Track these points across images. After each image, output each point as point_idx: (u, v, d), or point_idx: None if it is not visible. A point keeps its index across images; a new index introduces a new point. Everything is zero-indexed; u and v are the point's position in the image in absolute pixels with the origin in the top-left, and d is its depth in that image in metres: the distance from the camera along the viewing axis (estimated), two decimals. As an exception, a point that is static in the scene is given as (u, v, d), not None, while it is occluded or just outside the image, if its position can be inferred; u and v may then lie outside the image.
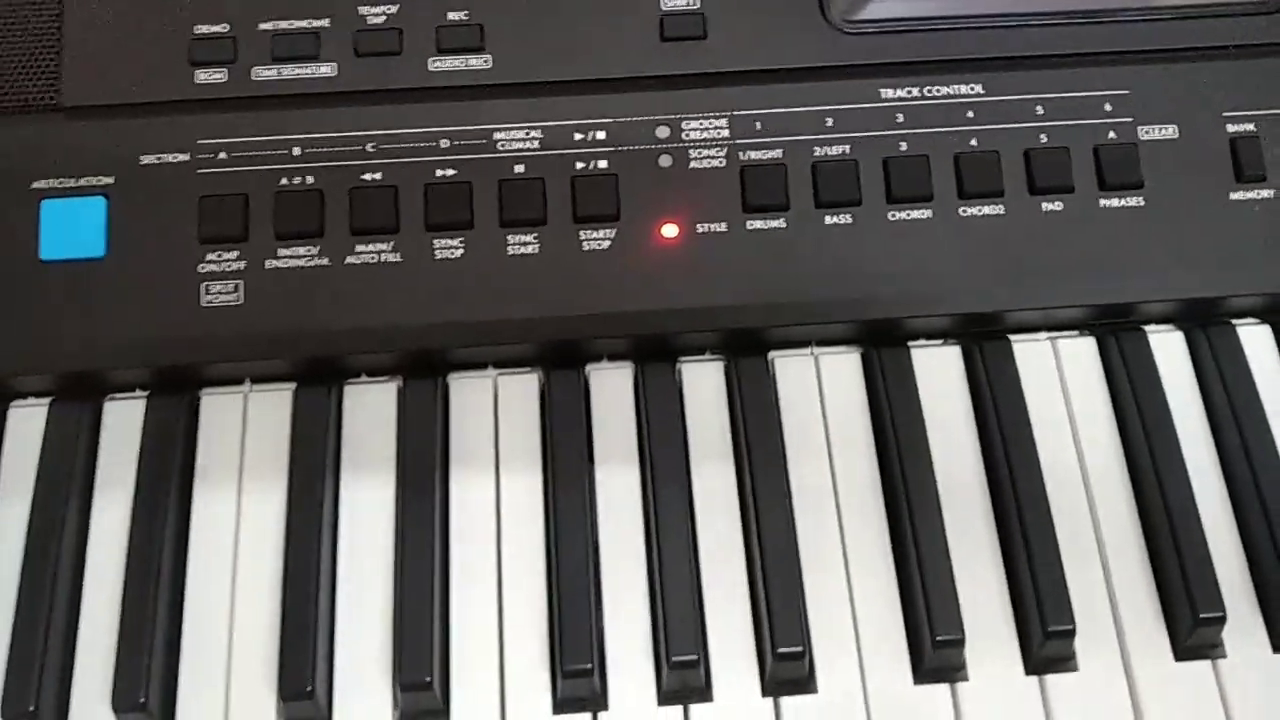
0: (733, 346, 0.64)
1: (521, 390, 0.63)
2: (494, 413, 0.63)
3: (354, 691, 0.57)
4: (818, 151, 0.63)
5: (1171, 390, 0.64)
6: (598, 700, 0.57)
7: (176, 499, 0.60)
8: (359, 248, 0.61)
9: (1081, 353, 0.64)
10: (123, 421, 0.62)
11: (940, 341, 0.64)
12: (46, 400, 0.62)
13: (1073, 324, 0.65)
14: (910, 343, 0.64)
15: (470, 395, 0.63)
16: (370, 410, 0.62)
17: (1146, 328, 0.65)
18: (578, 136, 0.62)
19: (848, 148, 0.63)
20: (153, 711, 0.56)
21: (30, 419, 0.62)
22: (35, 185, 0.61)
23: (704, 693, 0.57)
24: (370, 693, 0.57)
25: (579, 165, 0.62)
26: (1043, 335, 0.65)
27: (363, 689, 0.57)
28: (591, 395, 0.63)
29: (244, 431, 0.62)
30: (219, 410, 0.62)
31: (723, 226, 0.62)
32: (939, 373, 0.64)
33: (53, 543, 0.59)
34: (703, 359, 0.64)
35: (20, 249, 0.61)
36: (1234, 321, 0.65)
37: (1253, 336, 0.65)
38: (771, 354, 0.64)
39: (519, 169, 0.62)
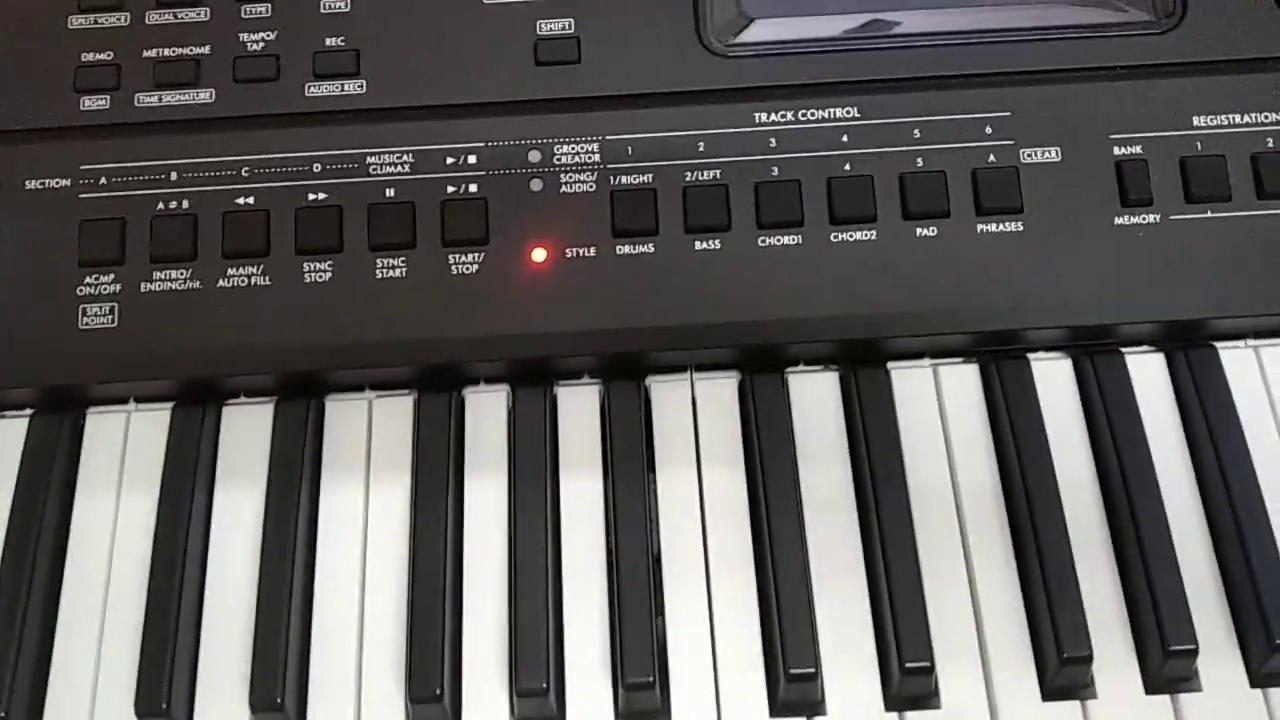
0: (610, 372, 0.64)
1: (396, 411, 0.63)
2: (368, 433, 0.63)
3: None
4: (689, 176, 0.62)
5: (1056, 419, 0.62)
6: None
7: (55, 515, 0.61)
8: (230, 270, 0.62)
9: (963, 379, 0.64)
10: (7, 440, 0.63)
11: (820, 368, 0.64)
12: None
13: (955, 350, 0.64)
14: (789, 369, 0.64)
15: (345, 416, 0.63)
16: (246, 430, 0.63)
17: (1031, 355, 0.64)
18: (449, 160, 0.63)
19: (719, 172, 0.62)
20: None
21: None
22: (-79, 210, 0.64)
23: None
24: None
25: (449, 189, 0.62)
26: (925, 362, 0.64)
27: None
28: (467, 418, 0.64)
29: (124, 450, 0.63)
30: (101, 429, 0.64)
31: (591, 251, 0.62)
32: (816, 397, 0.63)
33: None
34: (580, 383, 0.64)
35: (-97, 273, 0.63)
36: (1124, 350, 0.64)
37: (1143, 364, 0.64)
38: (649, 379, 0.64)
39: (390, 193, 0.62)
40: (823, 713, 0.57)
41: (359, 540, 0.61)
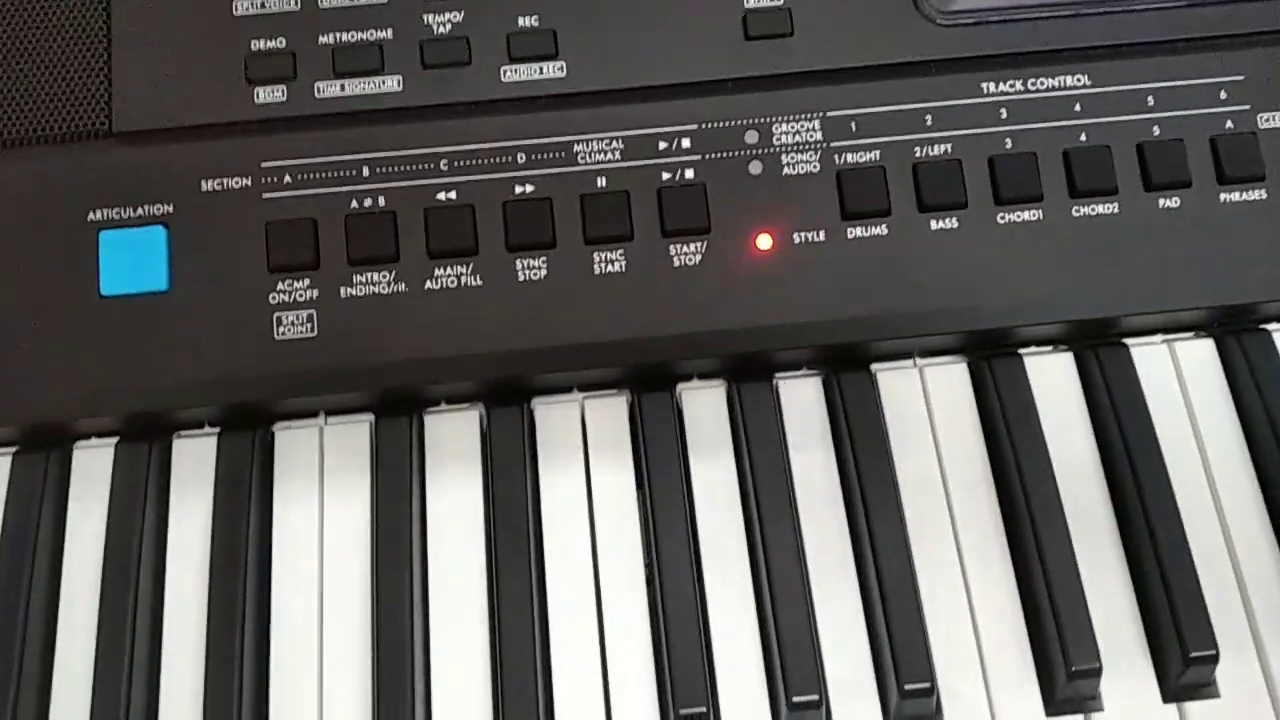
0: (833, 361, 0.60)
1: (611, 413, 0.60)
2: (583, 437, 0.60)
3: None
4: (919, 152, 0.59)
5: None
6: None
7: (256, 534, 0.57)
8: (437, 271, 0.58)
9: (1201, 356, 0.61)
10: (193, 460, 0.59)
11: (1050, 349, 0.61)
12: (112, 441, 0.59)
13: (1192, 325, 0.61)
14: (1021, 350, 0.61)
15: (557, 418, 0.59)
16: (451, 438, 0.59)
17: (1271, 326, 0.61)
18: (662, 145, 0.59)
19: (950, 146, 0.59)
20: None
21: (96, 459, 0.59)
22: (91, 216, 0.58)
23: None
24: None
25: (665, 176, 0.59)
26: (1159, 338, 0.61)
27: None
28: (685, 414, 0.60)
29: (321, 463, 0.59)
30: (294, 444, 0.59)
31: (820, 235, 0.58)
32: (1053, 382, 0.60)
33: (128, 589, 0.56)
34: (800, 374, 0.61)
35: (79, 284, 0.58)
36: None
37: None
38: (874, 367, 0.61)
39: (601, 182, 0.59)
40: (1100, 708, 0.54)
41: (588, 560, 0.57)
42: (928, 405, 0.60)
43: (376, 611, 0.55)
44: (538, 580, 0.56)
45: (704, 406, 0.60)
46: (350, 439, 0.59)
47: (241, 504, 0.57)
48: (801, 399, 0.60)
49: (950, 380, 0.60)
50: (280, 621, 0.56)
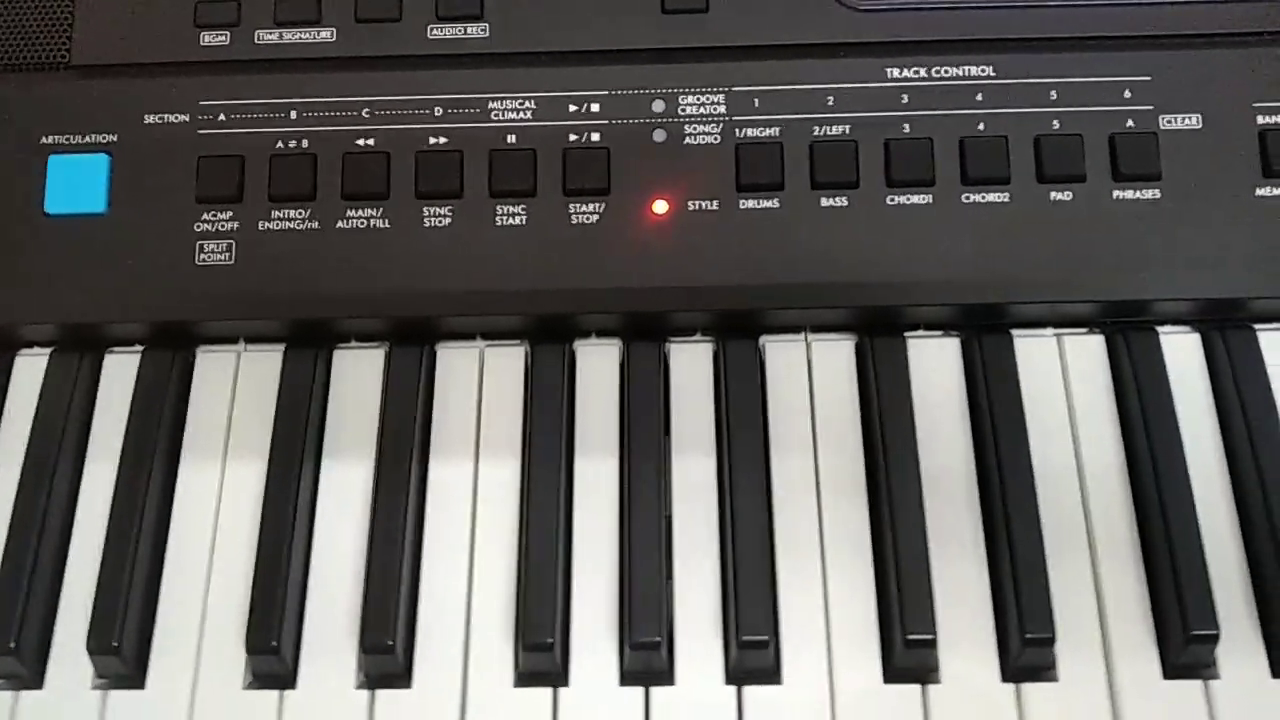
0: (724, 329, 0.63)
1: (508, 363, 0.63)
2: (478, 385, 0.62)
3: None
4: (817, 131, 0.61)
5: (1184, 394, 0.61)
6: (558, 676, 0.57)
7: (165, 453, 0.61)
8: (349, 213, 0.61)
9: (1088, 351, 0.62)
10: (122, 375, 0.63)
11: (940, 333, 0.63)
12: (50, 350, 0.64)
13: (1080, 320, 0.62)
14: (908, 333, 0.62)
15: (457, 365, 0.63)
16: (358, 376, 0.63)
17: (1160, 328, 0.62)
18: (572, 108, 0.62)
19: (848, 128, 0.61)
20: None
21: (35, 367, 0.64)
22: (44, 140, 0.63)
23: (666, 675, 0.56)
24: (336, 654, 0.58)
25: (571, 137, 0.61)
26: (1049, 331, 0.62)
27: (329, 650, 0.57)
28: (577, 372, 0.63)
29: (234, 391, 0.63)
30: (212, 368, 0.63)
31: (714, 204, 0.61)
32: (936, 364, 0.62)
33: (43, 489, 0.60)
34: (692, 340, 0.63)
35: (26, 202, 0.62)
36: (1256, 326, 0.62)
37: (1275, 343, 0.62)
38: (763, 339, 0.63)
39: (511, 139, 0.61)
40: (937, 680, 0.56)
41: (468, 499, 0.60)
42: (810, 379, 0.62)
43: (262, 526, 0.59)
44: (415, 512, 0.59)
45: (597, 363, 0.63)
46: (263, 366, 0.63)
47: (154, 418, 0.61)
48: (691, 364, 0.62)
49: (836, 356, 0.62)
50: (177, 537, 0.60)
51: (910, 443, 0.59)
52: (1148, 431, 0.59)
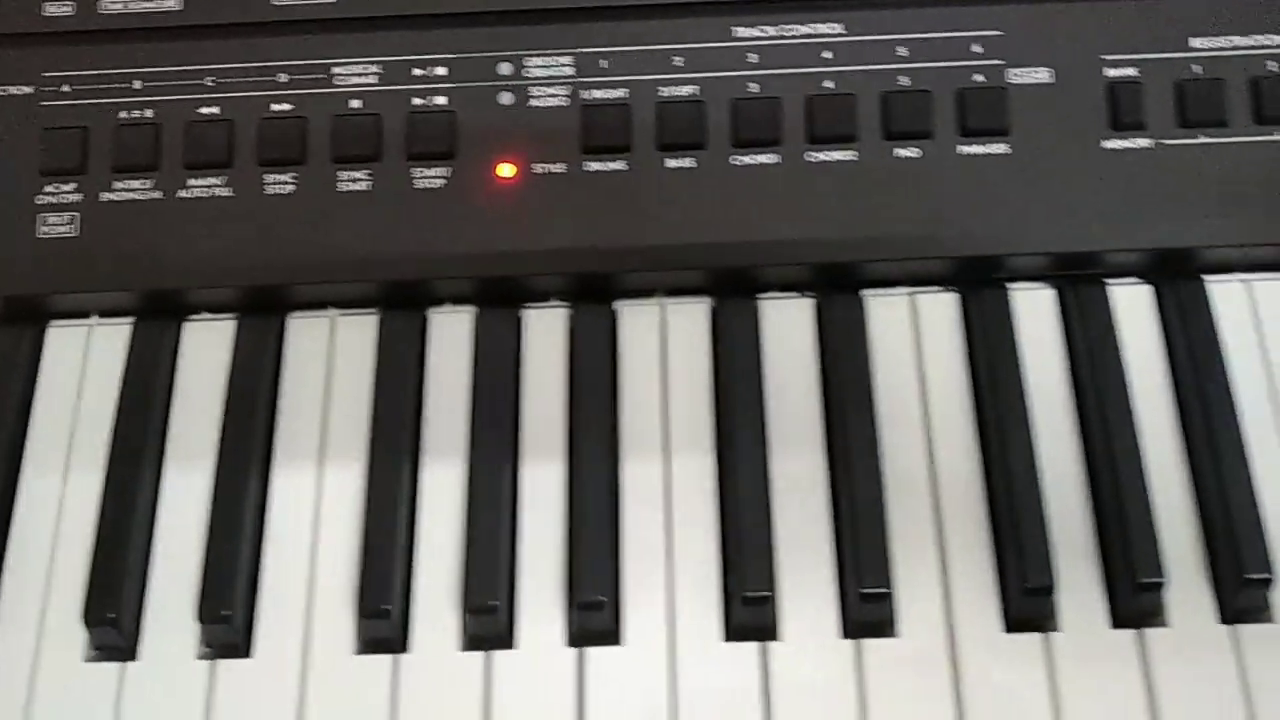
0: (578, 295, 0.62)
1: (358, 333, 0.62)
2: (328, 355, 0.62)
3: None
4: (663, 92, 0.60)
5: (1036, 350, 0.60)
6: (399, 644, 0.56)
7: (14, 424, 0.61)
8: (191, 182, 0.61)
9: (943, 309, 0.61)
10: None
11: (795, 294, 0.62)
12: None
13: (934, 278, 0.62)
14: (762, 295, 0.62)
15: (307, 335, 0.62)
16: (207, 347, 0.62)
17: (1013, 285, 0.61)
18: (416, 72, 0.61)
19: (696, 89, 0.60)
20: None
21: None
22: (-111, 112, 0.63)
23: (506, 639, 0.56)
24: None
25: (416, 102, 0.61)
26: (902, 290, 0.62)
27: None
28: (431, 340, 0.62)
29: (84, 366, 0.62)
30: (63, 344, 0.62)
31: (561, 167, 0.60)
32: (789, 325, 0.61)
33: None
34: (547, 305, 0.63)
35: None
36: (1110, 281, 0.61)
37: (1128, 296, 0.61)
38: (617, 304, 0.62)
39: (355, 104, 0.61)
40: (777, 637, 0.56)
41: (314, 469, 0.59)
42: (664, 343, 0.61)
43: (103, 501, 0.58)
44: (259, 483, 0.59)
45: (451, 331, 0.62)
46: (114, 340, 0.62)
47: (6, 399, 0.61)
48: (546, 329, 0.62)
49: (690, 318, 0.62)
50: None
51: (758, 402, 0.58)
52: (995, 392, 0.59)
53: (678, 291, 0.62)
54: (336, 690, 0.55)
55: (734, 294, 0.61)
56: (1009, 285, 0.61)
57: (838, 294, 0.61)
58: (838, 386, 0.59)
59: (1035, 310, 0.61)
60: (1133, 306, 0.62)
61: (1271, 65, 0.60)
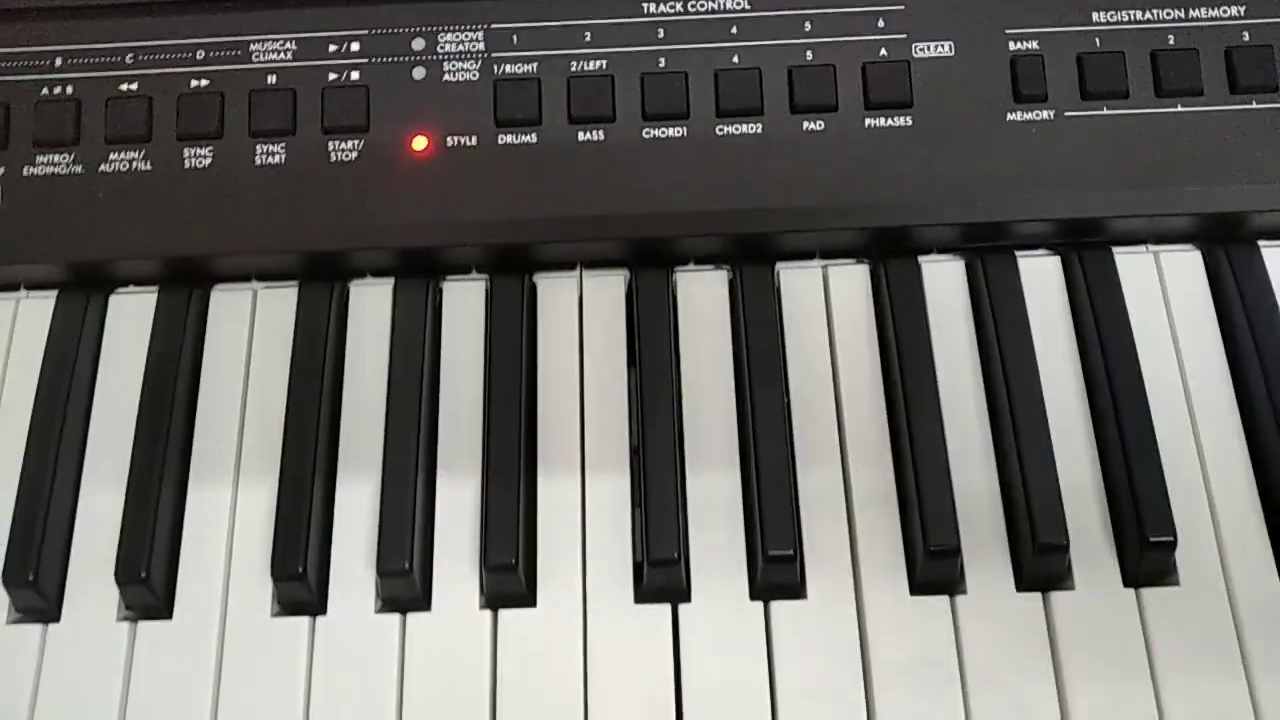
0: (496, 267, 0.63)
1: (279, 304, 0.63)
2: (250, 327, 0.63)
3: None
4: (574, 66, 0.62)
5: (944, 321, 0.61)
6: (316, 606, 0.57)
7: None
8: (112, 156, 0.62)
9: (853, 280, 0.63)
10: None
11: (711, 267, 0.63)
12: None
13: (846, 250, 0.63)
14: (679, 268, 0.63)
15: (228, 306, 0.63)
16: (130, 319, 0.63)
17: (923, 257, 0.63)
18: (332, 48, 0.62)
19: (604, 63, 0.61)
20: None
21: None
22: None
23: (422, 602, 0.57)
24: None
25: (331, 76, 0.62)
26: (816, 263, 0.63)
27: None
28: (351, 311, 0.63)
29: (10, 337, 0.63)
30: (-10, 314, 0.64)
31: (473, 140, 0.61)
32: (704, 296, 0.62)
33: None
34: (468, 278, 0.64)
35: None
36: (1019, 252, 0.63)
37: (1036, 266, 0.63)
38: (535, 276, 0.63)
39: (271, 80, 0.62)
40: (687, 599, 0.57)
41: (235, 438, 0.61)
42: (580, 314, 0.63)
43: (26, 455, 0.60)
44: (180, 450, 0.60)
45: (371, 301, 0.63)
46: (41, 312, 0.63)
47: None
48: (465, 303, 0.63)
49: (606, 290, 0.63)
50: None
51: (671, 373, 0.60)
52: (903, 361, 0.60)
53: (596, 264, 0.64)
54: (255, 652, 0.57)
55: (650, 266, 0.63)
56: (919, 257, 0.63)
57: (750, 266, 0.62)
58: (751, 356, 0.60)
59: (944, 281, 0.62)
60: (1041, 277, 0.63)
61: (1170, 38, 0.61)
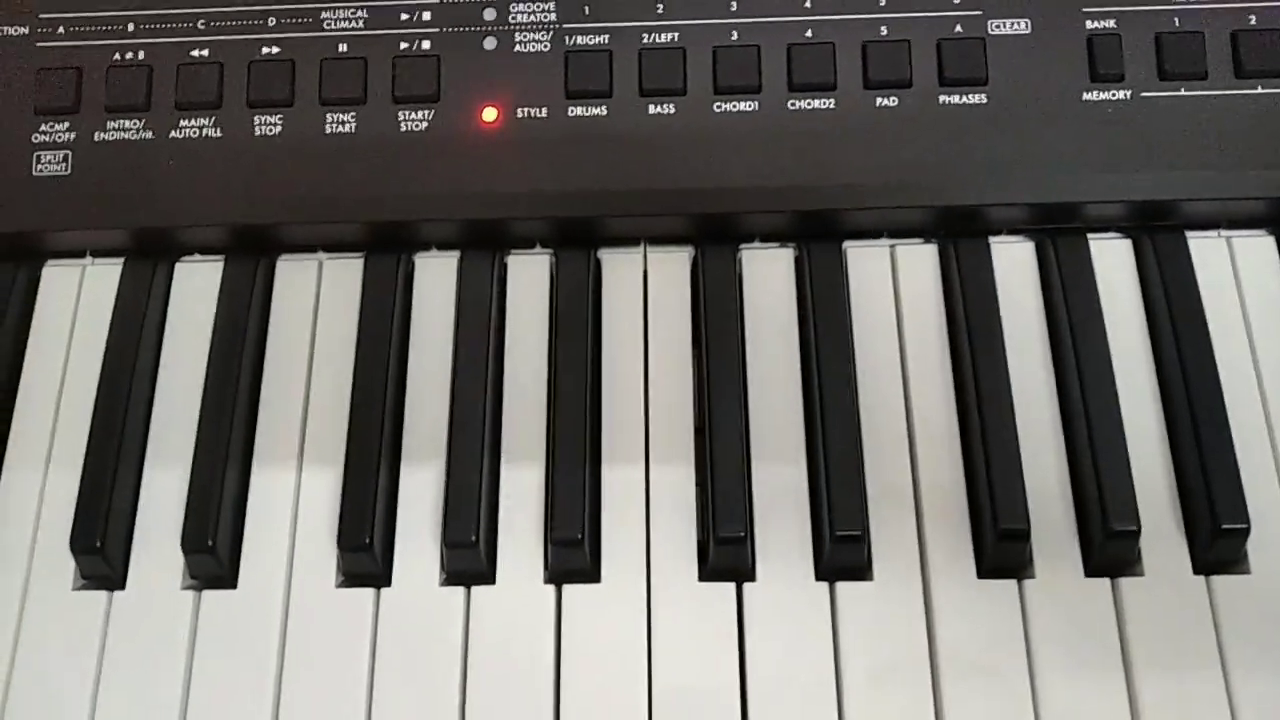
0: (561, 241, 0.63)
1: (346, 275, 0.63)
2: (315, 298, 0.63)
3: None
4: (646, 38, 0.61)
5: (1015, 302, 0.61)
6: (380, 578, 0.57)
7: (8, 362, 0.62)
8: (183, 122, 0.62)
9: (921, 259, 0.62)
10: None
11: (776, 244, 0.63)
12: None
13: (914, 229, 0.62)
14: (744, 245, 0.62)
15: (295, 276, 0.63)
16: (197, 287, 0.63)
17: (993, 237, 0.62)
18: (404, 16, 0.62)
19: (676, 35, 0.61)
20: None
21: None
22: (-110, 54, 0.64)
23: (487, 576, 0.57)
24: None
25: (402, 45, 0.62)
26: (884, 241, 0.63)
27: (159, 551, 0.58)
28: (416, 282, 0.63)
29: (78, 302, 0.63)
30: (56, 281, 0.64)
31: (543, 112, 0.61)
32: (769, 274, 0.62)
33: None
34: (532, 253, 0.63)
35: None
36: (1090, 234, 0.62)
37: (1108, 249, 0.62)
38: (600, 251, 0.63)
39: (343, 48, 0.62)
40: (752, 579, 0.57)
41: (300, 409, 0.61)
42: (646, 290, 0.62)
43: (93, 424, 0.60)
44: (245, 421, 0.60)
45: (436, 275, 0.63)
46: (108, 279, 0.63)
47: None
48: (530, 276, 0.63)
49: (672, 266, 0.62)
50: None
51: (737, 351, 0.59)
52: (973, 343, 0.59)
53: (661, 240, 0.63)
54: (319, 622, 0.57)
55: (716, 242, 0.62)
56: (990, 238, 0.62)
57: (817, 244, 0.62)
58: (812, 336, 0.60)
59: (1014, 262, 0.62)
60: (1113, 260, 0.62)
61: (1252, 18, 0.60)
